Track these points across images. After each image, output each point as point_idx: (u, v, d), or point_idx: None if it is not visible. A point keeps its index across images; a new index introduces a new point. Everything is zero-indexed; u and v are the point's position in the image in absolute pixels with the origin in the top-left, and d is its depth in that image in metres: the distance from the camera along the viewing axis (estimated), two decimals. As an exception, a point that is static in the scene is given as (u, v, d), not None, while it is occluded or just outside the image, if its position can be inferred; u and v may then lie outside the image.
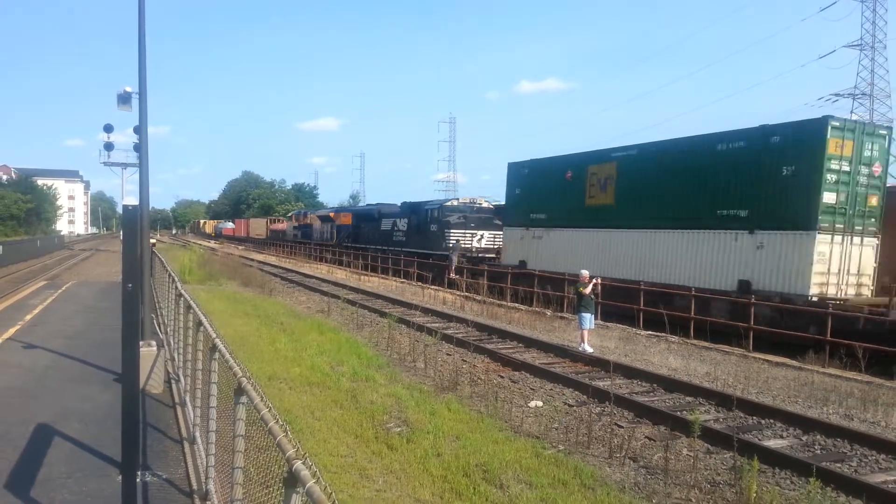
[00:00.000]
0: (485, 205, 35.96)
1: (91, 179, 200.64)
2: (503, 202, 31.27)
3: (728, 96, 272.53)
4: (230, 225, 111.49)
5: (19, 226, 75.36)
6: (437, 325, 18.19)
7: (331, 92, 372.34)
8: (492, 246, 33.87)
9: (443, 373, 12.56)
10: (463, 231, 34.21)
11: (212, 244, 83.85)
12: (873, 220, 17.34)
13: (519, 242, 27.80)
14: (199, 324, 6.71)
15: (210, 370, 5.57)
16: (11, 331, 14.42)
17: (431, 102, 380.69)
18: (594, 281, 15.36)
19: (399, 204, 43.50)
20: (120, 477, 5.47)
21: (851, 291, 17.07)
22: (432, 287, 28.86)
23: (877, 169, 17.24)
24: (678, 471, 7.76)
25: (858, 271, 17.18)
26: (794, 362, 14.37)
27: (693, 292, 18.01)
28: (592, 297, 15.37)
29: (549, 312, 21.39)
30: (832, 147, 16.34)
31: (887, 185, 17.79)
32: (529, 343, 15.77)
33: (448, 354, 14.50)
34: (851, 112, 56.09)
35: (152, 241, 16.61)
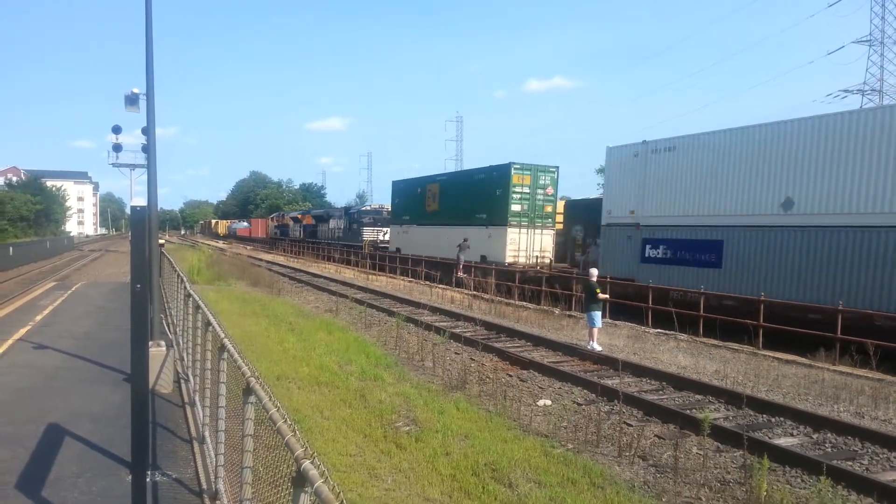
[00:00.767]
0: (388, 210, 48.46)
1: (100, 181, 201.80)
2: None
3: (737, 93, 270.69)
4: (245, 224, 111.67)
5: (29, 227, 75.64)
6: (445, 323, 18.22)
7: (338, 92, 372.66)
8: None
9: (451, 372, 12.57)
10: (373, 229, 49.66)
11: (220, 244, 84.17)
12: (549, 220, 30.52)
13: (397, 236, 42.17)
14: (207, 324, 6.72)
15: (219, 370, 5.59)
16: (22, 331, 14.51)
17: (438, 101, 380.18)
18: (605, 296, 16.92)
19: (341, 208, 60.92)
20: (130, 477, 5.49)
21: (533, 261, 29.52)
22: (440, 286, 29.06)
23: (549, 190, 30.44)
24: (688, 469, 7.73)
25: (541, 249, 30.16)
26: (804, 360, 14.29)
27: (473, 264, 30.73)
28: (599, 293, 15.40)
29: (557, 311, 21.37)
30: (515, 179, 29.82)
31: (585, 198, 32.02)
32: (538, 342, 15.76)
33: (456, 353, 14.51)
34: (861, 108, 55.66)
35: (161, 241, 16.65)
